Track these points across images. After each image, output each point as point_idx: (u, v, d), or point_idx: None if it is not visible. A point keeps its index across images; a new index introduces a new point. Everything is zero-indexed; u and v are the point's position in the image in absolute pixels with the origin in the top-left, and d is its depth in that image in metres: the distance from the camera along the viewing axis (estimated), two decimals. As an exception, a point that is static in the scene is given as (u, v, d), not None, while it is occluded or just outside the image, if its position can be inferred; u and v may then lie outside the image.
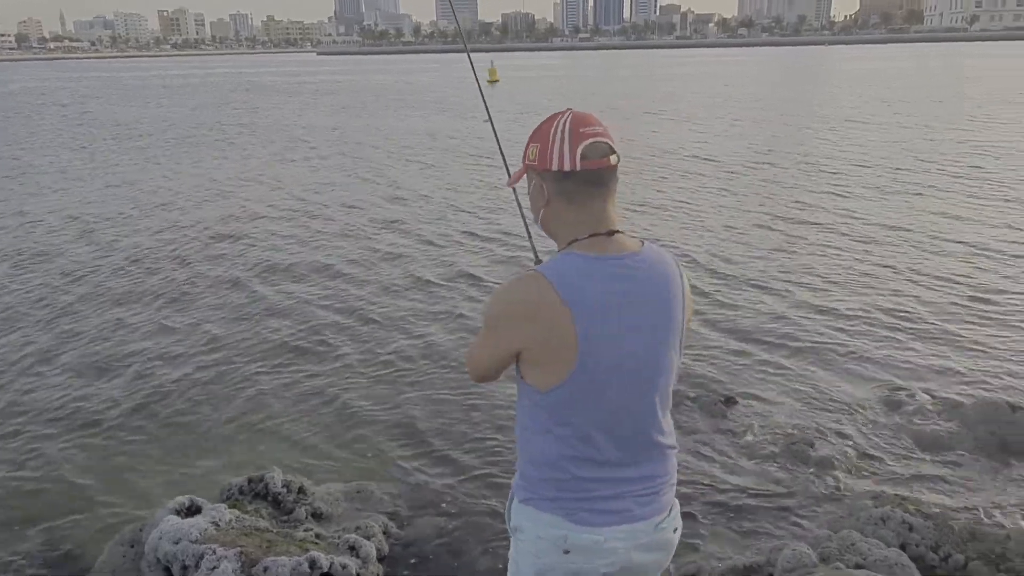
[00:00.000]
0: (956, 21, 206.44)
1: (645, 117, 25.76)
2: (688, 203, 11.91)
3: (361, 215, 11.64)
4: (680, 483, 1.85)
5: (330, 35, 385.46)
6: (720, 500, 4.13)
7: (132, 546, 3.50)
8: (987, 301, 7.09)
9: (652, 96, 35.94)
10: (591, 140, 1.65)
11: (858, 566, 3.20)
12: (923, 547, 3.43)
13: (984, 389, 5.36)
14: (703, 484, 4.27)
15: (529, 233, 2.36)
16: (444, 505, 4.16)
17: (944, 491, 4.14)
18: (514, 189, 2.36)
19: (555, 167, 1.66)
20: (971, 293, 7.33)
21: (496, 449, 4.74)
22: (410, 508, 4.13)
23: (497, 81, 46.15)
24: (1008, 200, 11.42)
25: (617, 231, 1.69)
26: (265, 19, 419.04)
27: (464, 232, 10.34)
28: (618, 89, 42.55)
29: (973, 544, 3.40)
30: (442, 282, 8.16)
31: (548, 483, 1.71)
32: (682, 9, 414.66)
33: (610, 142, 1.68)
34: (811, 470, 4.38)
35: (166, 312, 7.43)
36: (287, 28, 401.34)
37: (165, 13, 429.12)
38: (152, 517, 3.55)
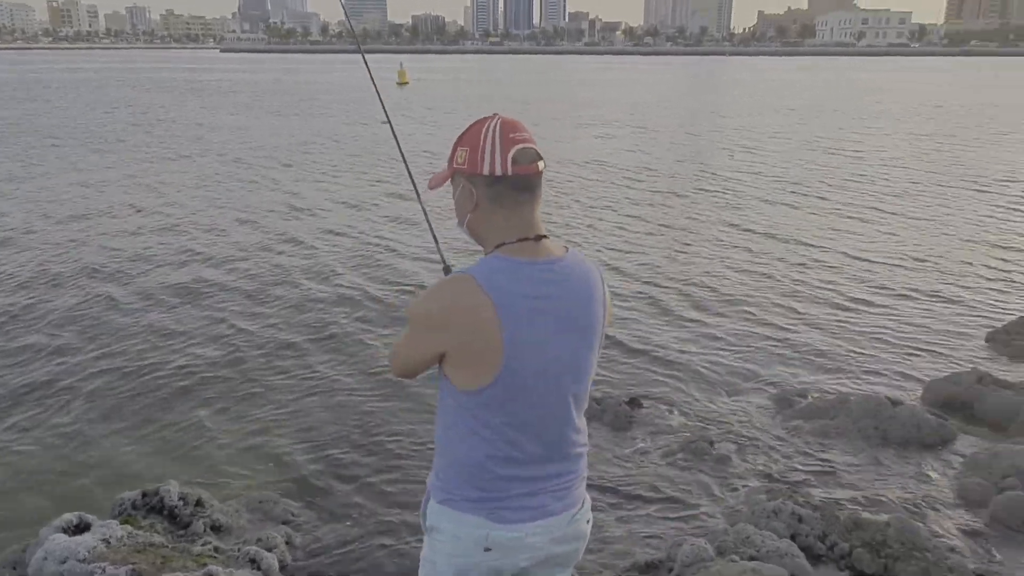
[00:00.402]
0: (845, 36, 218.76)
1: (552, 123, 26.07)
2: (582, 210, 12.08)
3: (256, 225, 11.06)
4: (586, 483, 1.90)
5: (234, 31, 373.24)
6: (623, 498, 4.24)
7: (15, 567, 3.31)
8: (857, 310, 7.45)
9: (561, 101, 36.44)
10: (521, 146, 1.68)
11: (752, 558, 3.35)
12: (812, 537, 3.62)
13: (867, 386, 5.69)
14: (607, 483, 4.36)
15: (436, 240, 2.36)
16: (348, 512, 4.11)
17: (831, 483, 4.37)
18: (419, 197, 2.36)
19: (486, 171, 1.67)
20: (844, 303, 7.70)
21: (399, 453, 4.71)
22: (314, 517, 4.06)
23: (407, 83, 45.78)
24: (880, 210, 12.15)
25: (544, 236, 1.72)
26: (164, 13, 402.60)
27: (366, 240, 10.16)
28: (530, 94, 42.95)
29: (857, 532, 3.61)
30: (344, 288, 8.02)
31: (470, 484, 1.73)
32: (590, 16, 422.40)
33: (537, 148, 1.72)
34: (709, 467, 4.54)
35: (42, 328, 6.89)
36: (188, 23, 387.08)
37: (55, 3, 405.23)
38: (36, 536, 3.36)
